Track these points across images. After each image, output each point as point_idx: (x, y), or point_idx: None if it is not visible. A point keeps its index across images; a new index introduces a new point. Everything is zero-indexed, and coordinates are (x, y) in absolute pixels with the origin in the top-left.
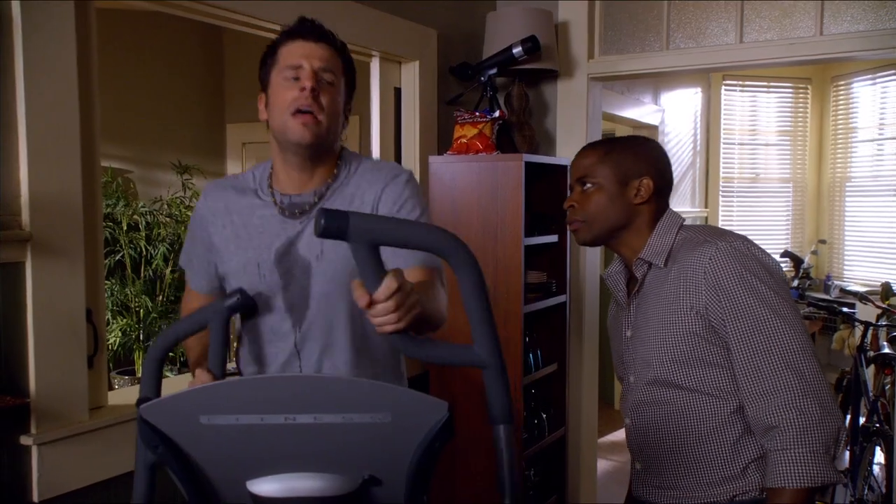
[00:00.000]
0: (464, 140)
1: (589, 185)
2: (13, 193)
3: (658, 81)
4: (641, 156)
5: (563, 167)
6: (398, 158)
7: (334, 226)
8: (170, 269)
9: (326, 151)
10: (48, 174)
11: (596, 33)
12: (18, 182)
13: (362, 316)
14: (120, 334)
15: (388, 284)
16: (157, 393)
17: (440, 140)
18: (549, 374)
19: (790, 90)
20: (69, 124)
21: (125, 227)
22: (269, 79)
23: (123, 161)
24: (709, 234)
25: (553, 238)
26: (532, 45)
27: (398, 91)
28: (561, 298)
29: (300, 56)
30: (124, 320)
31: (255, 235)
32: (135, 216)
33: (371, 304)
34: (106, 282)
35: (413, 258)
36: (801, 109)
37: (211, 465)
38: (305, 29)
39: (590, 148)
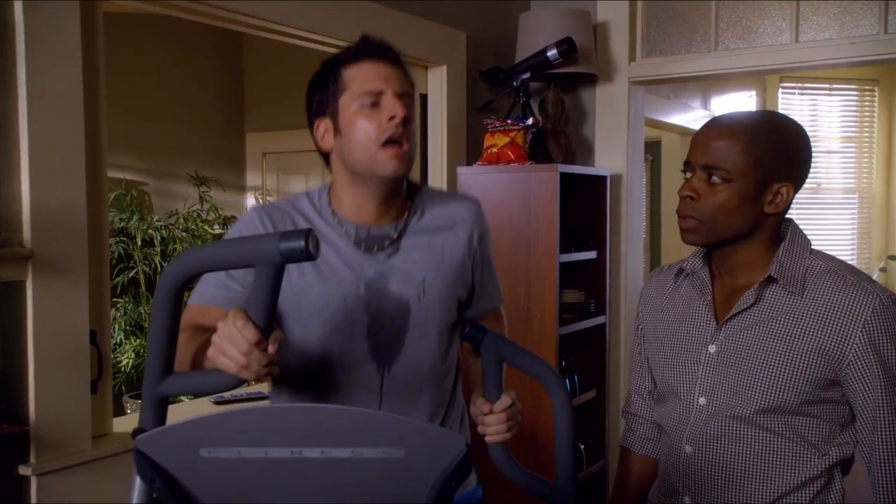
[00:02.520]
0: (494, 149)
1: (718, 178)
2: (14, 208)
3: (707, 85)
4: (788, 153)
5: (602, 178)
6: (424, 169)
7: (475, 336)
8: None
9: (397, 191)
10: (51, 187)
11: (638, 34)
12: (19, 196)
13: (446, 374)
14: (133, 355)
15: (506, 400)
16: (160, 417)
17: (469, 149)
18: (588, 401)
19: (854, 93)
20: (73, 134)
21: (139, 243)
22: (337, 106)
23: (138, 172)
24: (852, 272)
25: (591, 254)
26: (568, 48)
27: (424, 98)
28: (600, 319)
29: (379, 80)
30: (137, 340)
31: (337, 267)
32: (149, 231)
33: (488, 413)
34: (119, 300)
35: (493, 303)
36: (867, 113)
37: (211, 500)
38: (378, 49)
39: (727, 127)
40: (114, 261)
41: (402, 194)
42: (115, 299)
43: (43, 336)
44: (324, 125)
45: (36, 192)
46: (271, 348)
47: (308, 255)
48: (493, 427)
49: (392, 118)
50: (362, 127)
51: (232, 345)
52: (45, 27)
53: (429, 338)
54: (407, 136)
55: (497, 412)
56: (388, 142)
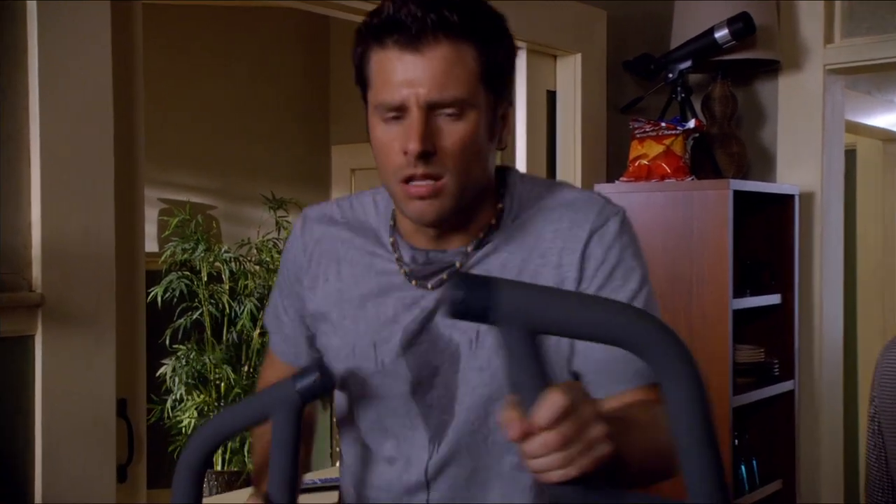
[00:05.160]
0: (644, 161)
1: None
2: (20, 241)
3: None
4: None
5: (788, 198)
6: None
7: (469, 299)
8: (258, 331)
9: (471, 205)
10: (68, 214)
11: (836, 8)
12: (28, 226)
13: None
14: (196, 414)
15: (552, 402)
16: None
17: (611, 161)
18: (771, 494)
19: None
20: (100, 148)
21: (205, 278)
22: (367, 100)
23: (204, 194)
24: None
25: (773, 298)
26: (744, 26)
27: (552, 95)
28: (786, 385)
29: (399, 85)
30: (201, 396)
31: (371, 300)
32: (217, 263)
33: (526, 434)
34: (180, 347)
35: (632, 376)
36: None
37: None
38: (398, 25)
39: None
40: (174, 300)
41: (483, 209)
42: (175, 346)
43: (55, 407)
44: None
45: (49, 219)
46: None
47: (325, 388)
48: (541, 459)
49: (406, 152)
50: (380, 149)
51: None
52: (63, 23)
53: (493, 401)
54: (440, 171)
55: (541, 428)
56: (409, 179)
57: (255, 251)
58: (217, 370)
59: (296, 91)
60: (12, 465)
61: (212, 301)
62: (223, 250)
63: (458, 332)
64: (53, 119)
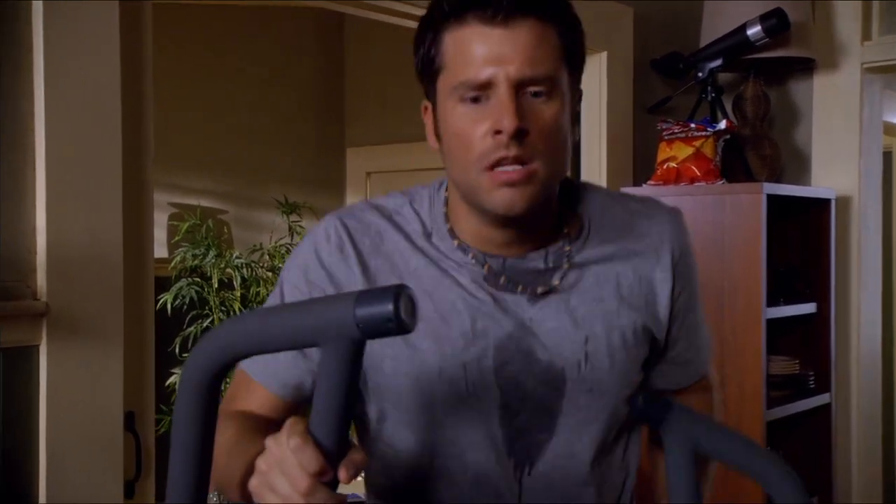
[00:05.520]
0: (673, 164)
1: None
2: (25, 247)
3: None
4: None
5: (824, 202)
6: None
7: (654, 413)
8: None
9: (548, 204)
10: (74, 220)
11: (874, 5)
12: (33, 231)
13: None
14: None
15: None
16: (201, 481)
17: (637, 164)
18: None
19: None
20: (106, 151)
21: (216, 285)
22: (436, 90)
23: (215, 198)
24: None
25: (808, 307)
26: (777, 23)
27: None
28: (822, 399)
29: (485, 60)
30: None
31: (453, 315)
32: (228, 269)
33: None
34: (188, 356)
35: (696, 372)
36: None
37: None
38: (482, 0)
39: None
40: (184, 307)
41: (553, 208)
42: (185, 355)
43: (60, 420)
44: (429, 113)
45: (54, 224)
46: (344, 476)
47: (400, 326)
48: None
49: (498, 132)
50: (459, 135)
51: (284, 477)
52: (70, 23)
53: (593, 425)
54: (531, 154)
55: None
56: (498, 164)
57: (267, 257)
58: (228, 379)
59: (310, 92)
60: (16, 480)
61: (223, 308)
62: (235, 256)
63: (561, 353)
64: (59, 121)
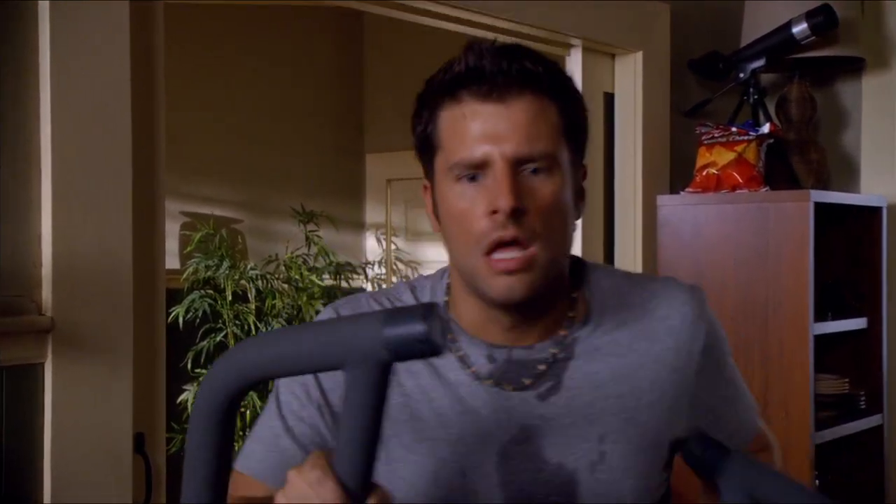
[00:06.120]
0: (713, 170)
1: None
2: (29, 260)
3: None
4: None
5: (875, 210)
6: (609, 197)
7: (709, 459)
8: None
9: (552, 289)
10: (81, 230)
11: None
12: (38, 242)
13: None
14: None
15: None
16: (218, 491)
17: (675, 171)
18: None
19: None
20: (116, 158)
21: (229, 297)
22: (434, 169)
23: (229, 206)
24: None
25: (858, 322)
26: (825, 20)
27: (610, 97)
28: (873, 420)
29: (481, 138)
30: None
31: (451, 417)
32: (242, 281)
33: None
34: (203, 371)
35: (741, 436)
36: None
37: None
38: (486, 76)
39: None
40: (197, 321)
41: (562, 292)
42: (197, 370)
43: (65, 441)
44: (427, 193)
45: (61, 235)
46: None
47: (431, 347)
48: None
49: (494, 212)
50: (457, 216)
51: None
52: (77, 23)
53: None
54: (529, 236)
55: None
56: (495, 247)
57: (283, 268)
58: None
59: (327, 95)
60: None
61: (237, 322)
62: (249, 267)
63: (572, 452)
64: (66, 125)
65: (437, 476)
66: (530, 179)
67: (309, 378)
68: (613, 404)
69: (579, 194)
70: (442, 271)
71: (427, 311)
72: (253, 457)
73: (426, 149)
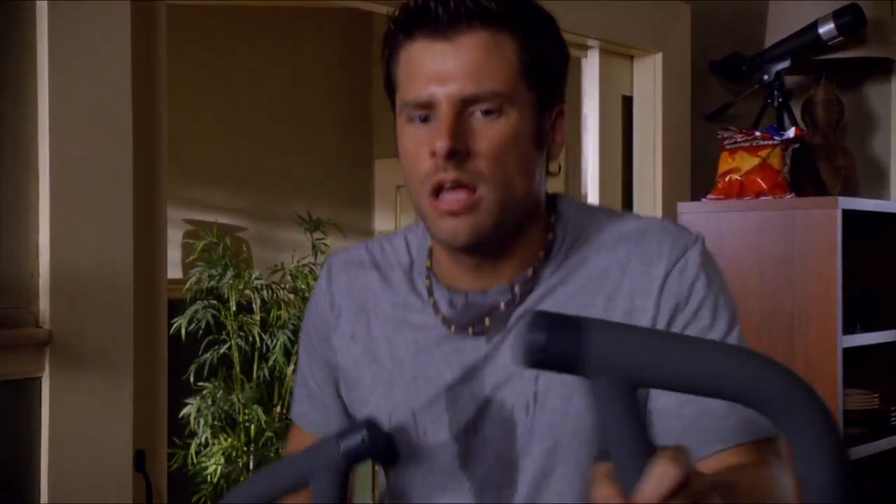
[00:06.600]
0: (736, 176)
1: None
2: (27, 270)
3: None
4: None
5: None
6: (628, 204)
7: (555, 344)
8: (292, 367)
9: (516, 228)
10: (80, 238)
11: None
12: (35, 251)
13: None
14: (223, 460)
15: (661, 474)
16: None
17: (696, 177)
18: None
19: None
20: (116, 164)
21: (234, 308)
22: (395, 107)
23: (233, 214)
24: None
25: (889, 335)
26: (852, 20)
27: (628, 101)
28: None
29: (427, 78)
30: (229, 440)
31: (406, 360)
32: (247, 291)
33: None
34: (205, 384)
35: (728, 433)
36: None
37: None
38: (428, 13)
39: None
40: (200, 332)
41: (531, 236)
42: (200, 383)
43: (63, 459)
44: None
45: (59, 244)
46: None
47: (375, 454)
48: None
49: (433, 154)
50: (407, 155)
51: None
52: (76, 24)
53: (555, 483)
54: (474, 179)
55: None
56: (439, 188)
57: (289, 278)
58: (246, 411)
59: (335, 99)
60: None
61: (241, 333)
62: (254, 277)
63: (511, 391)
64: (64, 129)
65: (391, 417)
66: (479, 122)
67: (315, 312)
68: None
69: (546, 136)
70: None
71: (368, 422)
72: (298, 410)
73: (389, 89)
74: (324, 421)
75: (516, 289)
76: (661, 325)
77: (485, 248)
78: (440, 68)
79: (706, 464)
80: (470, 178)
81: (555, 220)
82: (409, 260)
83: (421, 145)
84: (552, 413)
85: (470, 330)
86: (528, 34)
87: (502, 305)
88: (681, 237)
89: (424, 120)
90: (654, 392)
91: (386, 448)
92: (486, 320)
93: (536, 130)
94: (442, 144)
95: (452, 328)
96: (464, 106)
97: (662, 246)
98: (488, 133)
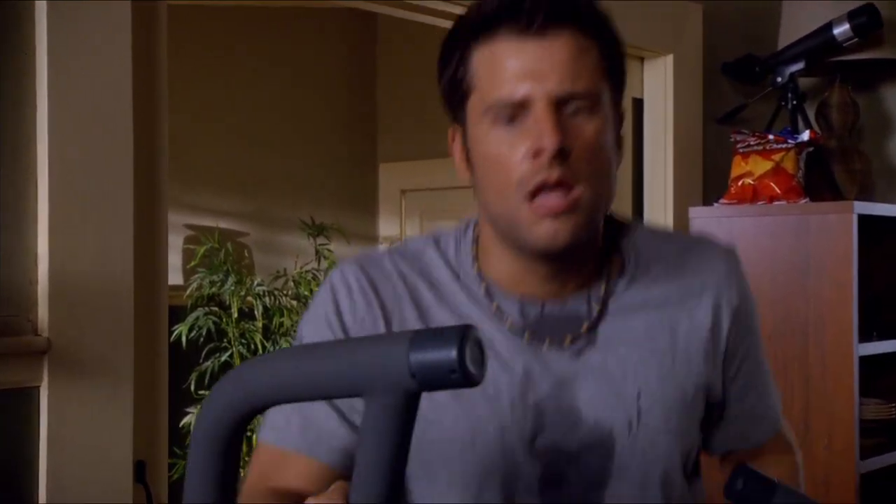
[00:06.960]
0: (749, 180)
1: None
2: (25, 277)
3: None
4: None
5: None
6: (639, 208)
7: (755, 495)
8: None
9: (593, 239)
10: (80, 244)
11: None
12: (34, 258)
13: None
14: None
15: None
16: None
17: (708, 181)
18: None
19: None
20: (116, 168)
21: (235, 315)
22: (465, 113)
23: (235, 219)
24: None
25: None
26: (868, 21)
27: (639, 103)
28: None
29: (521, 76)
30: None
31: (486, 376)
32: (248, 298)
33: None
34: (206, 393)
35: (770, 426)
36: None
37: None
38: (516, 11)
39: None
40: (201, 339)
41: (597, 245)
42: (201, 392)
43: (62, 469)
44: (457, 140)
45: (58, 250)
46: None
47: (466, 378)
48: None
49: (537, 154)
50: (496, 160)
51: None
52: (76, 25)
53: (649, 492)
54: (574, 177)
55: None
56: (539, 190)
57: (291, 284)
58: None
59: (339, 102)
60: None
61: (243, 341)
62: (256, 283)
63: (611, 410)
64: (64, 133)
65: (475, 430)
66: (573, 119)
67: (331, 312)
68: (649, 361)
69: (618, 141)
70: (466, 224)
71: (462, 335)
72: (288, 428)
73: (456, 93)
74: (323, 448)
75: (593, 301)
76: (731, 335)
77: (571, 253)
78: (534, 66)
79: (762, 451)
80: (571, 177)
81: (615, 232)
82: (446, 267)
83: (513, 147)
84: (653, 431)
85: (552, 341)
86: (606, 39)
87: (587, 316)
88: (728, 250)
89: (510, 122)
90: (732, 391)
91: (476, 381)
92: (570, 335)
93: (615, 131)
94: (551, 142)
95: (526, 336)
96: (559, 104)
97: (719, 262)
98: (584, 131)
